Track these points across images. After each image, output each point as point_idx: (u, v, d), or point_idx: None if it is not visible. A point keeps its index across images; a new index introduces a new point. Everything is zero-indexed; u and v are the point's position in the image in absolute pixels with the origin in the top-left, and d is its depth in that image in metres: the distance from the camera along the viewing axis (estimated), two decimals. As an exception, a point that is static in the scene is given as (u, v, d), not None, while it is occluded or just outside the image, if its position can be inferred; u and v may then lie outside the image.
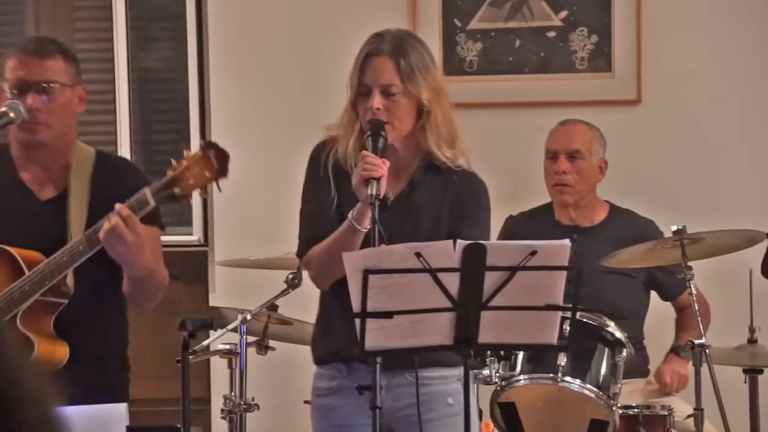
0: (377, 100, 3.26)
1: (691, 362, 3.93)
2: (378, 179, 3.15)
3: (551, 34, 5.14)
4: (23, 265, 3.32)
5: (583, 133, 4.50)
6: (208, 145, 3.20)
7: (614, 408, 3.83)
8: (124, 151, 5.33)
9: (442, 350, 3.11)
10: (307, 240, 3.37)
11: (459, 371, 3.35)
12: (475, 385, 3.66)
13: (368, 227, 3.17)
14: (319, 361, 3.42)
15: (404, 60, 3.29)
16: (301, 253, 3.39)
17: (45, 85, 3.36)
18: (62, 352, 3.35)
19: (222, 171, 3.17)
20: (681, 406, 4.13)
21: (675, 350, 4.43)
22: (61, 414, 1.27)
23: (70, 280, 3.35)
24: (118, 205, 3.21)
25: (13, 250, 3.35)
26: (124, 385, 3.54)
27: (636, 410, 4.01)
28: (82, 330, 3.38)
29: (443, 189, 3.35)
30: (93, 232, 3.26)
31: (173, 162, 3.20)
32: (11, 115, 3.32)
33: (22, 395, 1.22)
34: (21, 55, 3.39)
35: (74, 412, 2.98)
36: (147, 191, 3.20)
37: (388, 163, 3.20)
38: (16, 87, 3.36)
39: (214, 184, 3.20)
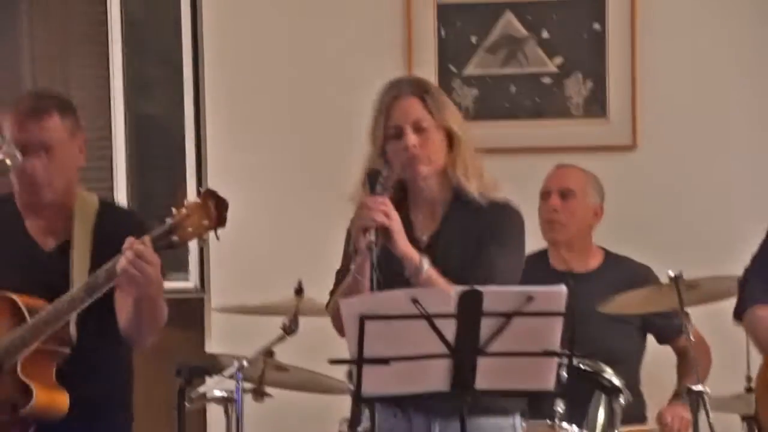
0: (412, 138, 3.30)
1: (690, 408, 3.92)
2: (375, 228, 3.16)
3: (546, 80, 5.16)
4: (26, 312, 3.33)
5: (577, 175, 4.53)
6: (207, 194, 3.21)
7: (612, 455, 3.82)
8: (121, 196, 5.34)
9: (439, 396, 3.10)
10: (330, 292, 3.41)
11: (513, 419, 3.37)
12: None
13: (368, 279, 3.18)
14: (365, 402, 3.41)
15: (428, 96, 3.35)
16: (327, 305, 3.43)
17: (43, 146, 3.38)
18: (62, 401, 3.34)
19: (220, 220, 3.19)
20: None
21: (677, 395, 4.42)
22: None
23: (72, 330, 3.35)
24: (131, 239, 3.20)
25: (16, 297, 3.35)
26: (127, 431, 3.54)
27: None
28: (85, 378, 3.38)
29: (477, 225, 3.36)
30: (92, 281, 3.27)
31: (174, 210, 3.21)
32: (8, 162, 3.34)
33: None
34: (17, 115, 3.40)
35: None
36: (146, 239, 3.21)
37: (386, 204, 3.20)
38: (19, 147, 3.37)
39: (212, 233, 3.21)
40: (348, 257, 3.41)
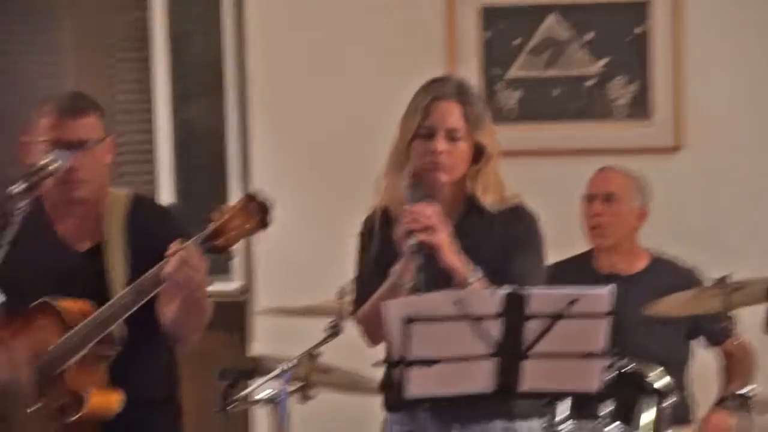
0: (442, 143, 3.28)
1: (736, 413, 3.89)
2: (420, 230, 3.15)
3: (590, 81, 5.15)
4: (71, 319, 3.34)
5: (621, 178, 4.51)
6: (249, 197, 3.22)
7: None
8: (165, 200, 5.36)
9: (483, 398, 3.09)
10: (356, 301, 3.40)
11: (535, 423, 3.35)
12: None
13: (411, 282, 3.16)
14: (390, 407, 3.41)
15: (469, 106, 3.31)
16: (352, 315, 3.42)
17: (82, 144, 3.40)
18: (116, 399, 3.36)
19: (263, 222, 3.19)
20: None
21: (720, 401, 4.39)
22: None
23: (119, 329, 3.37)
24: (175, 244, 3.21)
25: (59, 304, 3.37)
26: (176, 427, 3.55)
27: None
28: (134, 376, 3.40)
29: (491, 233, 3.34)
30: (138, 285, 3.28)
31: (215, 214, 3.22)
32: (54, 164, 3.35)
33: None
34: (56, 114, 3.42)
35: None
36: (191, 244, 3.22)
37: (431, 209, 3.20)
38: (53, 145, 3.39)
39: (255, 236, 3.22)
40: (363, 264, 3.40)
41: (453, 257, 3.20)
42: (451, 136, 3.29)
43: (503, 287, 2.98)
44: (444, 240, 3.19)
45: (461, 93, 3.33)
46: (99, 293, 3.36)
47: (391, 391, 3.39)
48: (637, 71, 5.12)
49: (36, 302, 3.39)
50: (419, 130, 3.29)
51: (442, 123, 3.29)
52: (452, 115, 3.30)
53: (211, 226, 3.20)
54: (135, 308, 3.28)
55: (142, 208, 3.55)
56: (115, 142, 3.53)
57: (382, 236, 3.36)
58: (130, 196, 3.57)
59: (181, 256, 3.17)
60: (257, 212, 3.18)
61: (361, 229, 3.44)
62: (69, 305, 3.37)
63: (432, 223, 3.16)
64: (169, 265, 3.18)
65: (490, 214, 3.35)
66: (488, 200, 3.34)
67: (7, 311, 3.46)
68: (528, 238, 3.37)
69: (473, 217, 3.35)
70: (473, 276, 3.20)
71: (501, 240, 3.34)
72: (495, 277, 3.24)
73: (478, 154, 3.33)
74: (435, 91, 3.32)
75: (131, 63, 5.62)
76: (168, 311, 3.37)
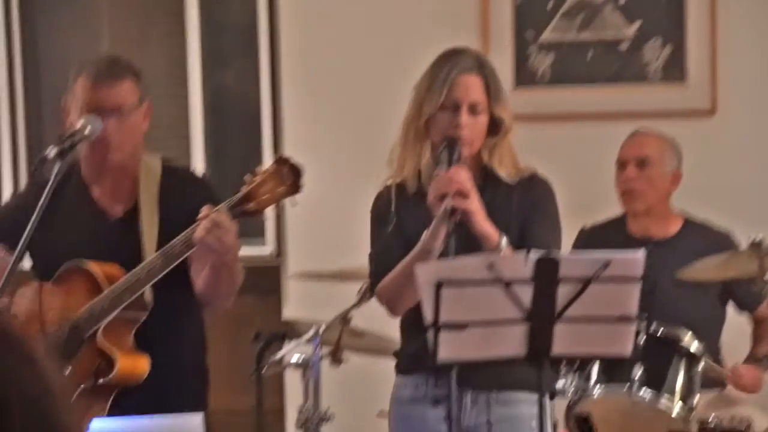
0: (465, 118, 3.28)
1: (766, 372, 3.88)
2: (453, 195, 3.15)
3: (624, 44, 5.11)
4: (102, 281, 3.36)
5: (654, 142, 4.47)
6: (280, 161, 3.22)
7: (691, 420, 3.80)
8: (197, 166, 5.38)
9: (515, 362, 3.10)
10: (375, 275, 3.40)
11: (545, 398, 3.37)
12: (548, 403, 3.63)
13: (441, 248, 3.17)
14: (403, 370, 3.43)
15: (491, 80, 3.32)
16: (371, 288, 3.42)
17: (117, 110, 3.40)
18: (143, 364, 3.38)
19: (295, 186, 3.19)
20: (760, 419, 4.08)
21: (752, 357, 4.37)
22: (63, 417, 1.18)
23: (148, 293, 3.38)
24: (206, 208, 3.22)
25: (91, 266, 3.39)
26: (202, 395, 3.57)
27: (713, 423, 3.97)
28: (161, 340, 3.42)
29: (508, 203, 3.35)
30: (169, 248, 3.29)
31: (247, 178, 3.23)
32: (88, 130, 3.36)
33: (11, 392, 1.14)
34: (93, 79, 3.42)
35: (151, 422, 3.02)
36: (223, 207, 3.23)
37: (468, 174, 3.20)
38: (88, 110, 3.39)
39: (288, 199, 3.22)
40: (379, 240, 3.40)
41: (485, 224, 3.21)
42: (474, 110, 3.29)
43: (535, 252, 2.98)
44: (476, 206, 3.19)
45: (482, 66, 3.35)
46: (131, 258, 3.38)
47: (407, 355, 3.41)
48: (672, 33, 5.07)
49: (66, 264, 3.41)
50: (444, 102, 3.29)
51: (466, 96, 3.30)
52: (475, 88, 3.31)
53: (243, 190, 3.21)
54: (165, 272, 3.29)
55: (175, 174, 3.56)
56: (151, 107, 3.53)
57: (398, 211, 3.36)
58: (163, 163, 3.57)
59: (212, 219, 3.18)
60: (289, 176, 3.19)
61: (373, 207, 3.45)
62: (99, 268, 3.39)
63: (466, 188, 3.17)
64: (199, 229, 3.20)
65: (507, 185, 3.36)
66: (504, 172, 3.35)
67: (39, 274, 3.48)
68: (544, 204, 3.38)
69: (490, 187, 3.36)
70: (503, 242, 3.21)
71: (518, 209, 3.34)
72: (514, 244, 3.25)
73: (495, 126, 3.33)
74: (457, 63, 3.32)
75: (165, 27, 5.62)
76: (200, 277, 3.39)
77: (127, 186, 3.50)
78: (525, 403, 3.31)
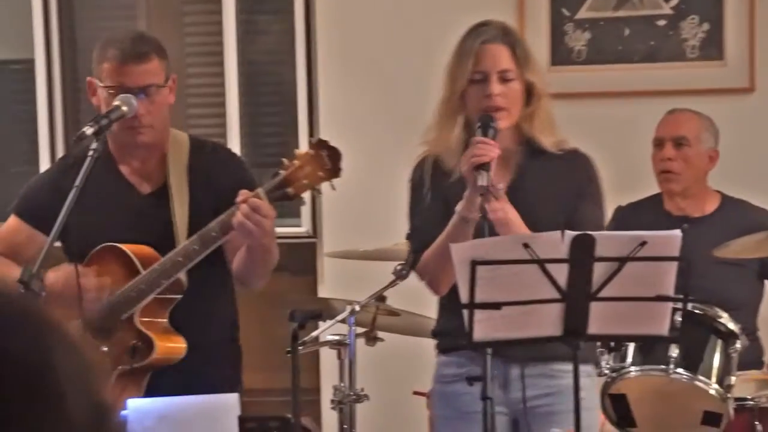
0: (497, 86, 3.28)
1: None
2: (488, 168, 3.14)
3: (661, 22, 5.07)
4: (137, 264, 3.36)
5: (691, 121, 4.44)
6: (319, 144, 3.19)
7: (728, 400, 3.78)
8: (233, 143, 5.38)
9: (551, 341, 3.09)
10: (416, 251, 3.39)
11: (590, 368, 3.37)
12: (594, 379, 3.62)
13: (478, 217, 3.17)
14: (446, 349, 3.42)
15: (518, 46, 3.32)
16: (413, 265, 3.41)
17: (145, 90, 3.40)
18: (180, 346, 3.39)
19: (335, 170, 3.16)
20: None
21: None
22: (109, 404, 1.20)
23: (183, 275, 3.39)
24: (242, 197, 3.20)
25: (126, 248, 3.39)
26: (236, 375, 3.58)
27: (751, 402, 3.95)
28: (195, 322, 3.42)
29: (554, 173, 3.35)
30: (206, 232, 3.28)
31: (284, 161, 3.20)
32: (124, 108, 3.36)
33: (63, 383, 1.16)
34: (119, 59, 3.39)
35: (187, 402, 3.03)
36: (261, 192, 3.21)
37: (498, 148, 3.20)
38: (115, 90, 3.38)
39: (327, 183, 3.20)
40: (417, 213, 3.39)
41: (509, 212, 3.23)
42: (504, 78, 3.29)
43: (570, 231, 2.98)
44: (512, 213, 3.23)
45: (507, 34, 3.35)
46: (163, 234, 3.38)
47: (445, 335, 3.40)
48: (710, 11, 5.03)
49: (102, 245, 3.42)
50: (474, 75, 3.29)
51: (494, 65, 3.29)
52: (502, 56, 3.31)
53: (282, 174, 3.18)
54: (202, 256, 3.29)
55: (203, 149, 3.54)
56: (175, 81, 3.52)
57: (436, 185, 3.36)
58: (191, 139, 3.57)
59: (251, 203, 3.17)
60: (329, 160, 3.16)
61: (411, 178, 3.44)
62: (135, 249, 3.39)
63: (494, 156, 3.16)
64: (239, 213, 3.18)
65: (552, 155, 3.35)
66: (547, 142, 3.35)
67: (70, 251, 3.48)
68: (593, 182, 3.40)
69: (536, 158, 3.35)
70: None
71: (566, 182, 3.34)
72: (560, 218, 3.24)
73: (530, 95, 3.33)
74: (481, 35, 3.32)
75: (201, 4, 5.62)
76: (236, 257, 3.39)
77: (156, 163, 3.49)
78: (571, 375, 3.29)
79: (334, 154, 3.15)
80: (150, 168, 3.50)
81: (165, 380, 3.34)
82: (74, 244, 3.41)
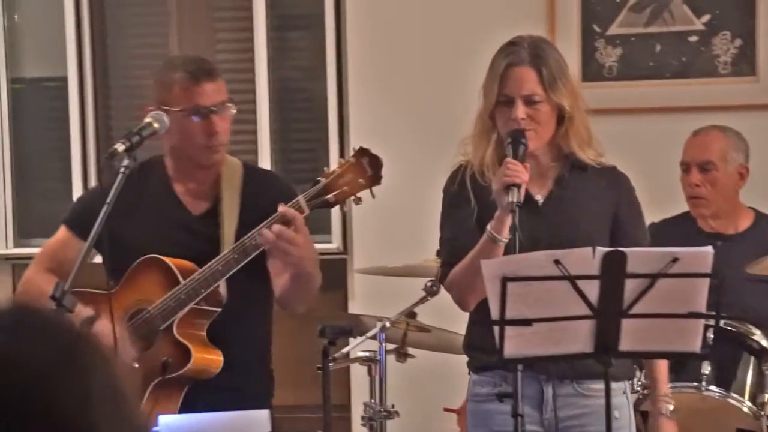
0: (521, 110, 3.27)
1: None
2: (519, 186, 3.14)
3: (693, 38, 5.06)
4: (178, 275, 3.37)
5: (715, 142, 4.39)
6: (361, 152, 3.21)
7: (762, 418, 3.75)
8: (264, 160, 5.40)
9: (582, 358, 3.07)
10: (446, 263, 3.38)
11: (624, 384, 3.35)
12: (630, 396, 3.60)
13: (508, 237, 3.16)
14: (479, 368, 3.41)
15: (545, 69, 3.30)
16: (443, 278, 3.41)
17: (219, 107, 3.41)
18: (217, 360, 3.39)
19: (376, 178, 3.17)
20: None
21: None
22: (143, 425, 1.21)
23: (222, 290, 3.39)
24: (282, 208, 3.22)
25: (167, 260, 3.40)
26: (268, 392, 3.58)
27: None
28: (232, 338, 3.43)
29: (595, 187, 3.34)
30: (247, 240, 3.29)
31: (325, 169, 3.22)
32: (155, 125, 3.37)
33: (140, 420, 1.17)
34: (192, 79, 3.40)
35: (218, 418, 3.03)
36: (301, 199, 3.22)
37: (528, 169, 3.20)
38: (192, 109, 3.40)
39: (368, 191, 3.20)
40: (451, 224, 3.39)
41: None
42: (530, 101, 3.28)
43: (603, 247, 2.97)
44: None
45: (534, 56, 3.31)
46: (209, 254, 3.38)
47: (476, 351, 3.39)
48: (742, 27, 5.01)
49: (144, 257, 3.43)
50: (500, 98, 3.29)
51: (519, 90, 3.28)
52: (527, 81, 3.29)
53: (322, 182, 3.20)
54: (240, 265, 3.30)
55: (255, 174, 3.57)
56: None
57: (471, 196, 3.35)
58: (244, 164, 3.59)
59: (283, 212, 3.18)
60: (369, 167, 3.17)
61: (446, 187, 3.43)
62: (177, 262, 3.40)
63: (525, 179, 3.16)
64: (274, 226, 3.20)
65: (593, 169, 3.35)
66: (588, 155, 3.35)
67: (116, 266, 3.48)
68: (635, 203, 3.43)
69: (576, 172, 3.35)
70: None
71: (607, 197, 3.34)
72: (598, 230, 3.24)
73: (561, 115, 3.32)
74: (509, 57, 3.30)
75: (232, 21, 5.65)
76: (279, 280, 3.39)
77: (210, 183, 3.51)
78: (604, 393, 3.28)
79: (375, 162, 3.17)
80: (204, 189, 3.52)
81: (201, 397, 3.34)
82: (123, 259, 3.42)
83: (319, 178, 3.21)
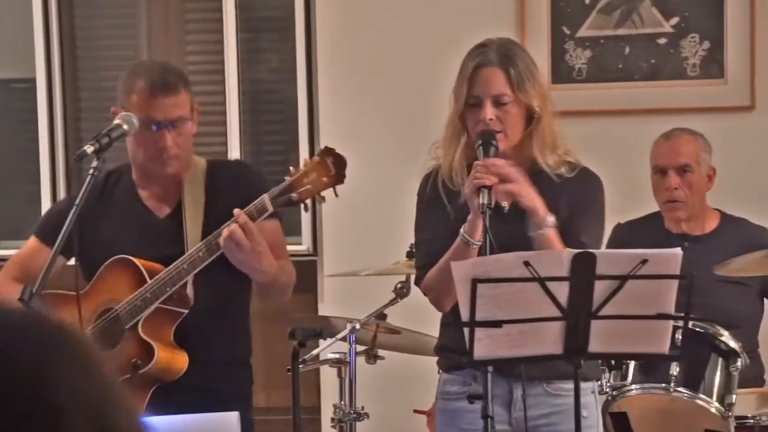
0: (489, 111, 3.27)
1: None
2: (489, 188, 3.14)
3: (662, 40, 5.08)
4: (146, 274, 3.39)
5: (690, 144, 4.41)
6: (326, 151, 3.24)
7: (729, 419, 3.77)
8: (235, 161, 5.39)
9: (552, 360, 3.08)
10: (422, 266, 3.39)
11: (593, 384, 3.36)
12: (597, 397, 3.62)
13: (481, 240, 3.17)
14: (450, 367, 3.42)
15: (513, 69, 3.30)
16: (418, 281, 3.41)
17: (174, 121, 3.41)
18: (181, 360, 3.40)
19: (339, 176, 3.20)
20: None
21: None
22: (119, 420, 1.15)
23: (190, 291, 3.40)
24: (236, 211, 3.25)
25: (136, 260, 3.41)
26: (248, 392, 3.59)
27: (752, 421, 3.94)
28: (205, 338, 3.43)
29: (555, 193, 3.34)
30: (212, 238, 3.31)
31: (291, 169, 3.25)
32: (125, 127, 3.37)
33: (63, 398, 1.11)
34: (148, 92, 3.40)
35: (187, 421, 3.02)
36: (265, 197, 3.25)
37: (504, 165, 3.19)
38: (146, 123, 3.40)
39: (331, 190, 3.23)
40: (425, 227, 3.39)
41: (535, 199, 3.20)
42: (498, 102, 3.28)
43: (571, 249, 2.97)
44: (521, 186, 3.19)
45: (503, 57, 3.32)
46: (176, 255, 3.40)
47: (448, 352, 3.40)
48: (710, 29, 5.04)
49: (113, 258, 3.44)
50: (469, 99, 3.29)
51: (487, 91, 3.28)
52: (497, 81, 3.29)
53: (288, 180, 3.23)
54: (205, 263, 3.32)
55: (218, 169, 3.57)
56: (198, 112, 3.54)
57: (445, 200, 3.35)
58: (208, 162, 3.60)
59: (238, 218, 3.22)
60: (333, 166, 3.20)
61: (419, 190, 3.44)
62: (144, 262, 3.42)
63: (506, 171, 3.16)
64: (226, 230, 3.24)
65: (552, 174, 3.34)
66: (548, 160, 3.33)
67: (86, 271, 3.51)
68: (593, 196, 3.38)
69: (536, 177, 3.34)
70: (550, 220, 3.20)
71: (565, 201, 3.34)
72: (561, 234, 3.24)
73: (529, 116, 3.32)
74: (477, 58, 3.31)
75: (202, 22, 5.63)
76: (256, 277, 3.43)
77: (175, 188, 3.52)
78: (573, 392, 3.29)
79: (339, 161, 3.20)
80: (168, 193, 3.53)
81: (174, 397, 3.34)
82: (91, 264, 3.47)
83: (285, 177, 3.24)
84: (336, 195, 3.23)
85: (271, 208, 3.26)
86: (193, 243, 3.40)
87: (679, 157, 4.38)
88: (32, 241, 3.61)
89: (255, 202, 3.26)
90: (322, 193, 3.24)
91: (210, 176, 3.52)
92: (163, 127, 3.40)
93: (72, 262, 3.56)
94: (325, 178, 3.20)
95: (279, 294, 3.47)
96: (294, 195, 3.22)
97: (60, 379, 1.11)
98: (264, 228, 3.32)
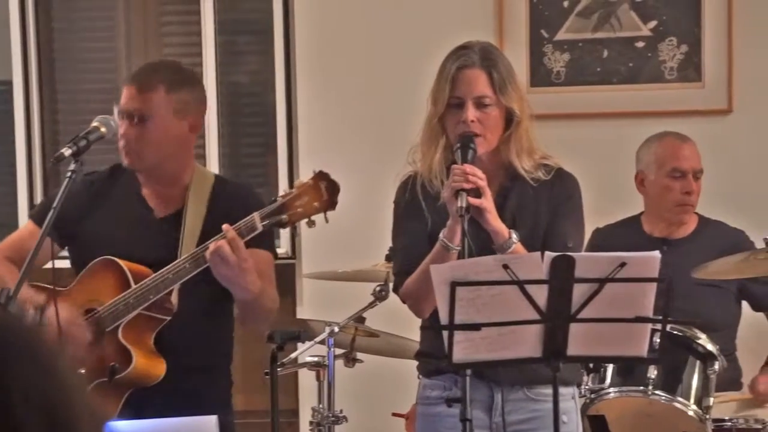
0: (471, 113, 3.26)
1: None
2: (468, 191, 3.14)
3: (640, 44, 5.09)
4: (130, 278, 3.37)
5: (695, 148, 4.46)
6: (320, 176, 3.22)
7: (707, 421, 3.78)
8: (213, 165, 5.38)
9: (531, 363, 3.08)
10: (400, 273, 3.37)
11: (573, 390, 3.37)
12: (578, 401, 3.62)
13: (460, 245, 3.16)
14: (431, 372, 3.41)
15: (496, 72, 3.30)
16: (396, 288, 3.40)
17: (139, 116, 3.40)
18: (159, 368, 3.38)
19: (331, 203, 3.20)
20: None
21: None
22: (75, 412, 1.16)
23: (174, 298, 3.39)
24: (225, 227, 3.25)
25: (122, 263, 3.40)
26: (227, 396, 3.58)
27: (729, 423, 3.95)
28: (186, 344, 3.43)
29: (531, 197, 3.34)
30: (199, 251, 3.30)
31: (285, 190, 3.25)
32: (102, 129, 3.37)
33: (76, 414, 1.14)
34: (127, 83, 3.48)
35: (164, 424, 3.01)
36: (256, 216, 3.24)
37: (478, 174, 3.19)
38: (120, 112, 3.44)
39: (322, 215, 3.23)
40: (403, 233, 3.39)
41: (497, 221, 3.20)
42: (480, 103, 3.28)
43: (551, 252, 2.97)
44: (490, 203, 3.19)
45: (485, 59, 3.32)
46: (168, 258, 3.39)
47: (428, 357, 3.39)
48: (688, 33, 5.05)
49: (100, 258, 3.43)
50: (450, 100, 3.29)
51: (470, 92, 3.28)
52: (479, 83, 3.29)
53: (280, 201, 3.22)
54: (190, 275, 3.31)
55: (226, 188, 3.56)
56: (197, 121, 3.52)
57: (423, 205, 3.35)
58: (216, 176, 3.62)
59: (226, 233, 3.21)
60: (326, 191, 3.19)
61: (396, 197, 3.43)
62: (132, 266, 3.40)
63: (482, 185, 3.16)
64: (212, 245, 3.23)
65: (531, 179, 3.33)
66: (525, 164, 3.33)
67: (79, 264, 3.51)
68: (571, 199, 3.37)
69: (514, 181, 3.34)
70: (513, 238, 3.20)
71: (542, 205, 3.33)
72: (537, 238, 3.24)
73: (510, 119, 3.32)
74: (459, 60, 3.31)
75: (180, 24, 5.62)
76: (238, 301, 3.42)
77: (178, 190, 3.52)
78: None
79: (332, 187, 3.19)
80: (172, 194, 3.52)
81: (155, 401, 3.33)
82: (85, 257, 3.46)
83: (276, 197, 3.24)
84: (326, 221, 3.23)
85: (260, 227, 3.25)
86: (187, 249, 3.40)
87: (697, 162, 4.42)
88: (28, 224, 3.63)
89: (245, 219, 3.25)
90: (312, 217, 3.23)
91: (215, 191, 3.52)
92: (122, 116, 3.42)
93: (65, 253, 3.59)
94: (316, 203, 3.20)
95: (259, 317, 3.45)
96: (284, 217, 3.22)
97: (15, 381, 1.12)
98: (256, 255, 3.32)
